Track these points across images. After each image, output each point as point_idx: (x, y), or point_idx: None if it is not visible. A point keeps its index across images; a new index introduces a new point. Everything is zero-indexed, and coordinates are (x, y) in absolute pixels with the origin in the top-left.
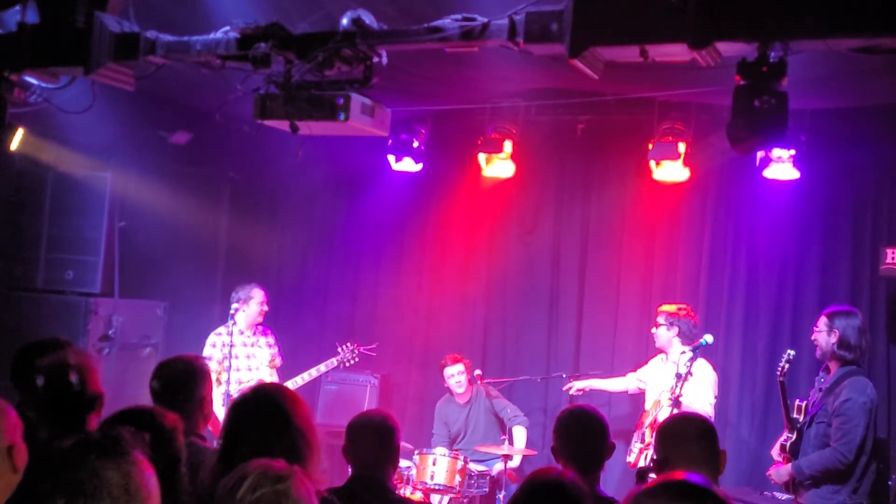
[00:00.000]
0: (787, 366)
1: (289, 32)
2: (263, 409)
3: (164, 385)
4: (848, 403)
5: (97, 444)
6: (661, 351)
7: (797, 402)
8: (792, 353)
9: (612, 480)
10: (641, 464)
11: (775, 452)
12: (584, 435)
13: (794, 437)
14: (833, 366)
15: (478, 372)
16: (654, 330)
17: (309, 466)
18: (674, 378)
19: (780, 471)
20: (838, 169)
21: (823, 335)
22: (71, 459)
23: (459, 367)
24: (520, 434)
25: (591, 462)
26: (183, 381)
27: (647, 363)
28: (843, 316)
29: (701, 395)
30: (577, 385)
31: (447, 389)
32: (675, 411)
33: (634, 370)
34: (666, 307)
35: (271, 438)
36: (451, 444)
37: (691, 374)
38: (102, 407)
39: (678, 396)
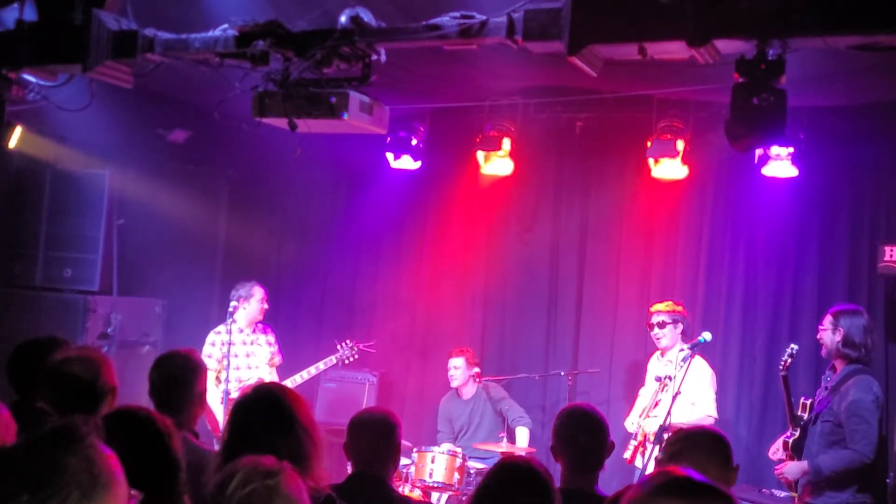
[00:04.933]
0: (789, 360)
1: (287, 30)
2: (267, 409)
3: (163, 379)
4: (858, 403)
5: (52, 435)
6: (655, 350)
7: (802, 399)
8: (795, 347)
9: (610, 479)
10: (637, 461)
11: (775, 452)
12: (581, 434)
13: (798, 434)
14: (839, 364)
15: (476, 370)
16: (658, 331)
17: (314, 464)
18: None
19: (793, 468)
20: (837, 166)
21: (828, 333)
22: (28, 454)
23: (458, 360)
24: (522, 435)
25: (590, 461)
26: (181, 375)
27: (647, 366)
28: (849, 315)
29: (704, 396)
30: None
31: (449, 382)
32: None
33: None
34: (663, 306)
35: (277, 438)
36: (455, 440)
37: (680, 366)
38: (115, 399)
39: (676, 393)
